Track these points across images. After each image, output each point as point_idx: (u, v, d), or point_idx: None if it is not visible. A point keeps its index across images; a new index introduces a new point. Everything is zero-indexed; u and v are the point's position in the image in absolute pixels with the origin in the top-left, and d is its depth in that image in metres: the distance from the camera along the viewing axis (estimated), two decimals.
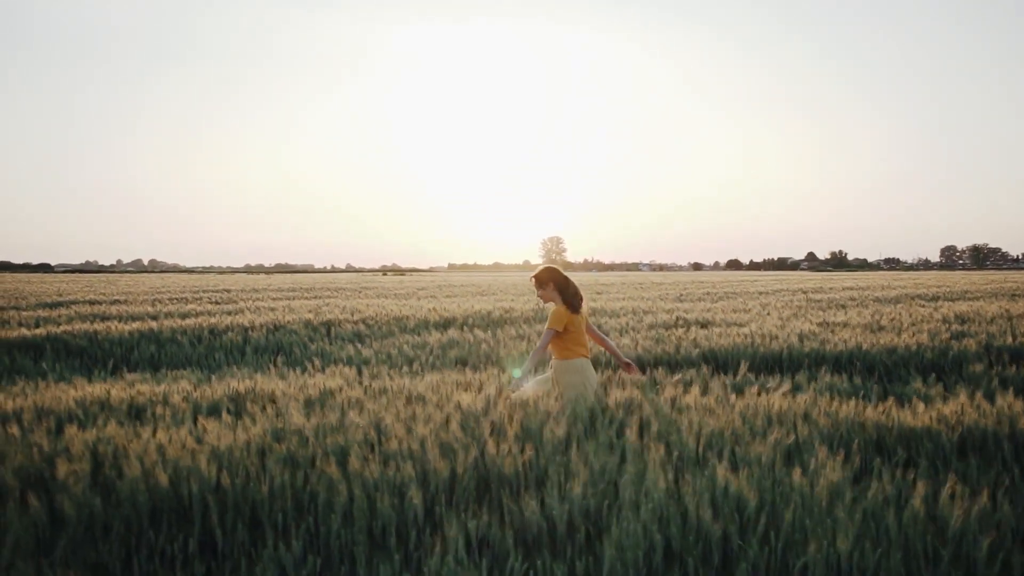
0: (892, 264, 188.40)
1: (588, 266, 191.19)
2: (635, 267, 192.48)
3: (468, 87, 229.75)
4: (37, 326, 13.17)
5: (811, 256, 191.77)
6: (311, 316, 12.96)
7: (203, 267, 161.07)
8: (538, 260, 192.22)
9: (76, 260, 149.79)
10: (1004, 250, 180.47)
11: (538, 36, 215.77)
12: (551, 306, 5.58)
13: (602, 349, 7.46)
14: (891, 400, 5.50)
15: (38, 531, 3.54)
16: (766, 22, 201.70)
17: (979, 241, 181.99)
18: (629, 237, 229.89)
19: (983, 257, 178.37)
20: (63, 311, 15.90)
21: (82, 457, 4.16)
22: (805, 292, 22.83)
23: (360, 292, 25.84)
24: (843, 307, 15.76)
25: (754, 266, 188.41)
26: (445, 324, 12.42)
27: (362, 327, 11.79)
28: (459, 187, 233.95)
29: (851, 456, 4.53)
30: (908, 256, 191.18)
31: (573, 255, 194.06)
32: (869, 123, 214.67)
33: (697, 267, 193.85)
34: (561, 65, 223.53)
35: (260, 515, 3.69)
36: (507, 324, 12.32)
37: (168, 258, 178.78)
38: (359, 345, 10.27)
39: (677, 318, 12.24)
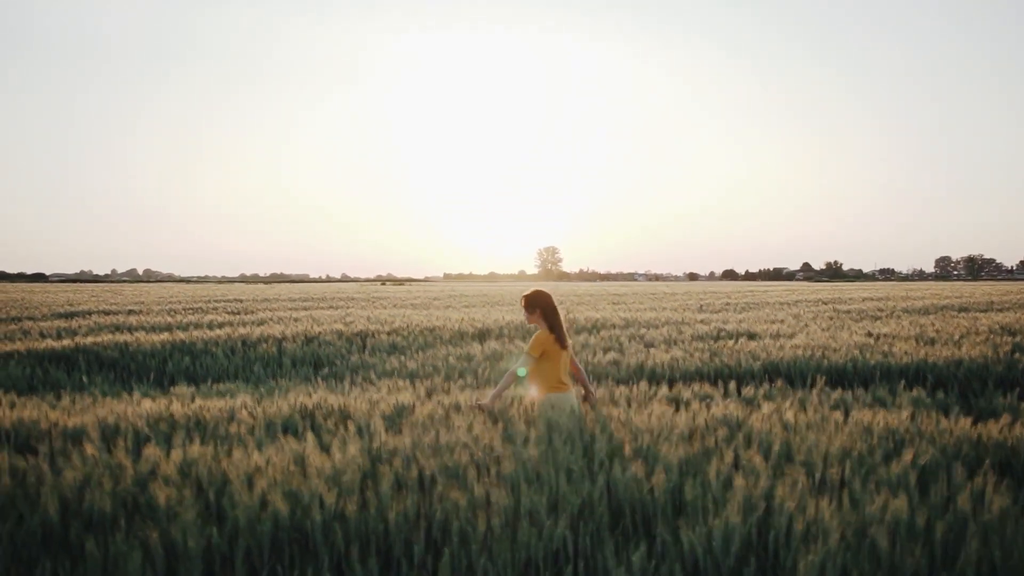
0: (887, 274, 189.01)
1: (584, 276, 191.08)
2: (631, 277, 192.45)
3: (463, 96, 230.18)
4: (60, 337, 12.83)
5: (806, 266, 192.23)
6: (342, 327, 12.64)
7: (198, 277, 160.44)
8: (534, 270, 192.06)
9: (70, 270, 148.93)
10: (998, 261, 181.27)
11: (535, 45, 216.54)
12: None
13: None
14: (1006, 417, 5.23)
15: (155, 565, 3.22)
16: (764, 32, 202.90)
17: (972, 252, 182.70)
18: (624, 247, 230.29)
19: (978, 268, 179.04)
20: (80, 321, 15.55)
21: (181, 482, 3.84)
22: (826, 303, 22.60)
23: (373, 302, 25.50)
24: (875, 318, 15.53)
25: (749, 276, 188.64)
26: (480, 335, 12.12)
27: (397, 338, 11.47)
28: (454, 198, 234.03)
29: (984, 475, 4.25)
30: (903, 267, 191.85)
31: (568, 265, 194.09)
32: (865, 134, 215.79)
33: (692, 277, 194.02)
34: (556, 75, 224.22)
35: (392, 547, 3.38)
36: None
37: (163, 268, 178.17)
38: (402, 357, 9.96)
39: (718, 329, 11.96)
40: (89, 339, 11.24)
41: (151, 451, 4.40)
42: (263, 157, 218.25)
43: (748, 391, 6.39)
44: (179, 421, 5.64)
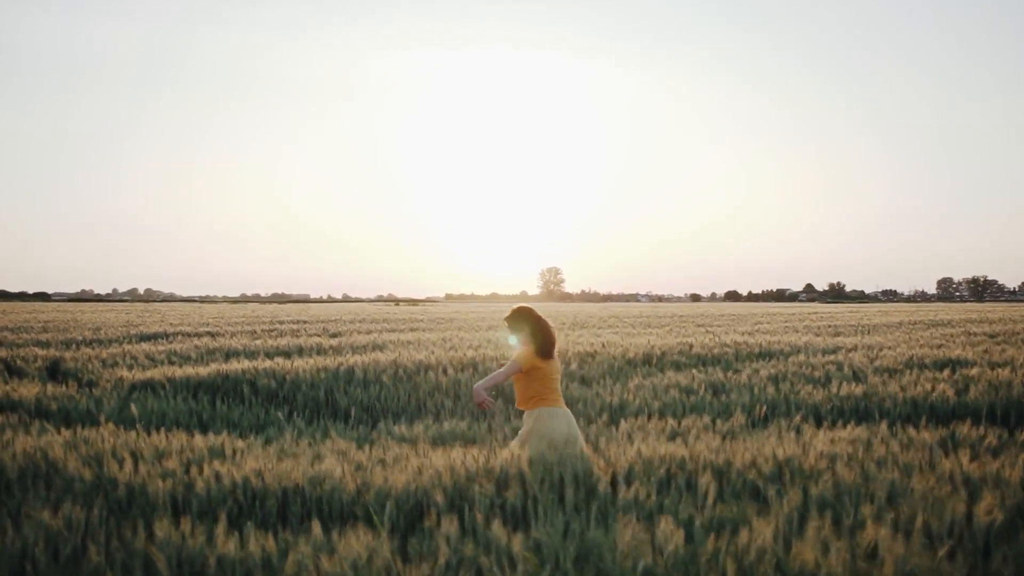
0: (890, 296, 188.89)
1: (586, 297, 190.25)
2: (633, 298, 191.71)
3: (463, 116, 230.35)
4: (172, 363, 11.75)
5: (809, 287, 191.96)
6: (487, 352, 11.60)
7: (200, 296, 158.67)
8: (536, 291, 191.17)
9: (71, 289, 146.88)
10: (1001, 282, 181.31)
11: (536, 65, 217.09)
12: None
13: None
14: None
15: None
16: (765, 53, 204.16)
17: (973, 273, 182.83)
18: (626, 268, 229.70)
19: (981, 289, 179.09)
20: (176, 344, 14.44)
21: None
22: (946, 325, 21.69)
23: (455, 323, 24.38)
24: (993, 341, 14.53)
25: (753, 297, 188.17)
26: (645, 360, 11.10)
27: (571, 365, 10.42)
28: (455, 217, 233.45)
29: None
30: (905, 288, 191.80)
31: (570, 286, 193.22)
32: (867, 154, 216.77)
33: (695, 298, 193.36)
34: (558, 94, 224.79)
35: None
36: (714, 363, 11.01)
37: (163, 287, 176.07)
38: (597, 387, 8.93)
39: (920, 357, 10.85)
40: (234, 365, 10.16)
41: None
42: (262, 177, 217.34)
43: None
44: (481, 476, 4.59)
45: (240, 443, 5.94)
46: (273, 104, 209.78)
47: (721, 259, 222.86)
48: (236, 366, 10.08)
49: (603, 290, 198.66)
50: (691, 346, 12.32)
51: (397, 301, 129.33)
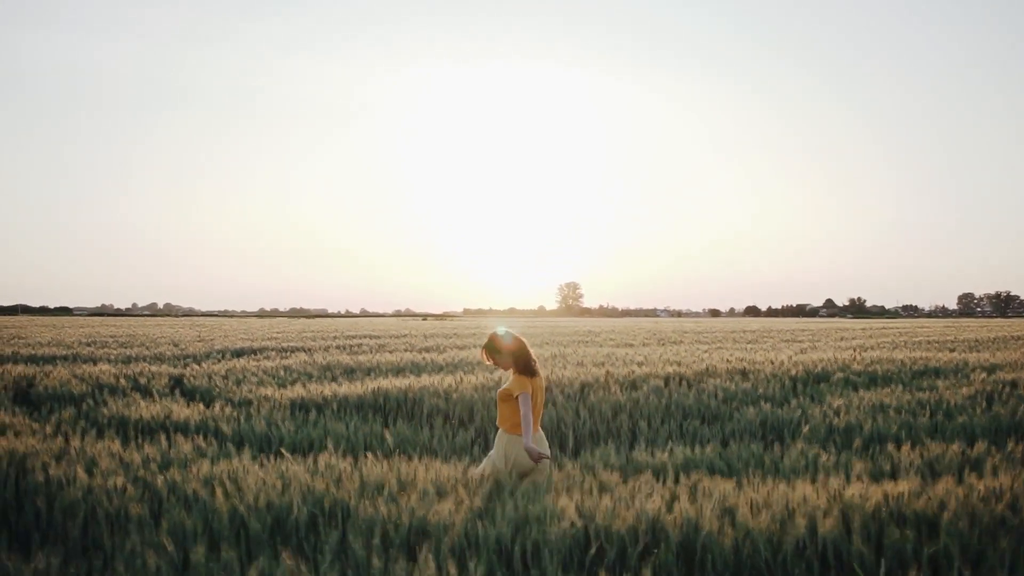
0: (911, 311, 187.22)
1: (604, 312, 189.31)
2: (652, 313, 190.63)
3: (480, 131, 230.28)
4: (295, 382, 11.06)
5: (829, 303, 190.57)
6: (673, 368, 10.83)
7: (219, 311, 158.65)
8: (554, 306, 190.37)
9: (92, 303, 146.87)
10: (1023, 297, 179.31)
11: (553, 80, 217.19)
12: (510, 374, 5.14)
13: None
14: None
15: None
16: (784, 68, 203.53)
17: (994, 289, 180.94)
18: (644, 283, 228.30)
19: (1004, 304, 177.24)
20: (270, 361, 13.77)
21: None
22: (1013, 339, 20.81)
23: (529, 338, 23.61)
24: None
25: (772, 313, 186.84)
26: (814, 378, 10.33)
27: (728, 383, 9.67)
28: (470, 232, 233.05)
29: None
30: (925, 303, 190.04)
31: (588, 301, 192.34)
32: (887, 168, 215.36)
33: (714, 314, 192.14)
34: (575, 110, 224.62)
35: None
36: (887, 381, 10.24)
37: (182, 302, 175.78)
38: (787, 408, 8.18)
39: None
40: (383, 383, 9.46)
41: None
42: (277, 193, 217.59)
43: None
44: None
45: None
46: (287, 120, 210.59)
47: (738, 274, 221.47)
48: (388, 384, 9.37)
49: (620, 305, 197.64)
50: (849, 362, 11.55)
51: (425, 316, 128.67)
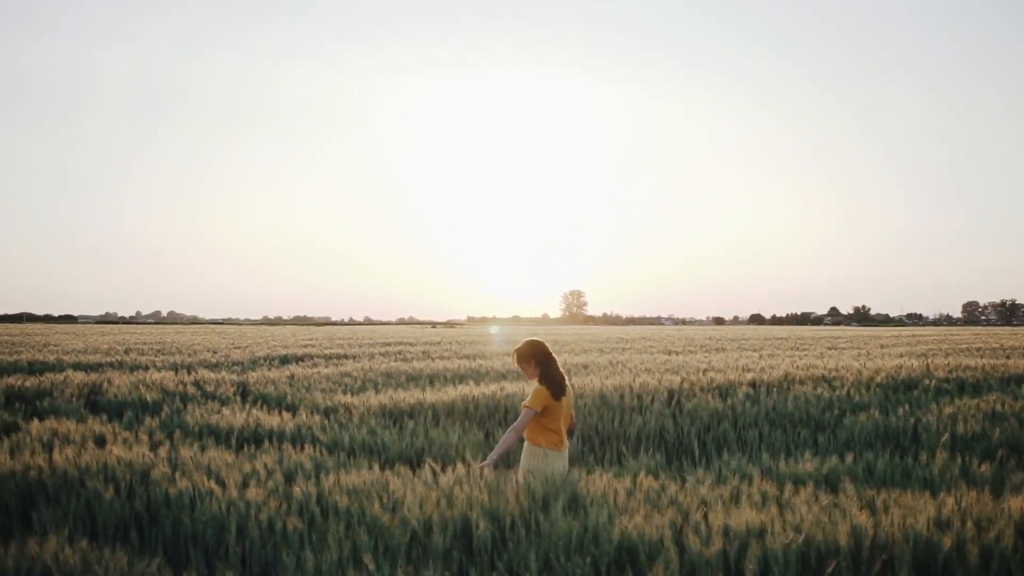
0: (915, 320, 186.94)
1: (608, 320, 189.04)
2: (656, 321, 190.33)
3: (483, 138, 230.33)
4: (364, 389, 10.80)
5: (834, 311, 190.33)
6: (756, 374, 10.57)
7: (222, 319, 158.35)
8: (558, 314, 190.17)
9: (95, 311, 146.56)
10: None
11: (556, 86, 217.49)
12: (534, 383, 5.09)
13: None
14: None
15: None
16: (786, 74, 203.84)
17: (999, 297, 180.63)
18: (647, 291, 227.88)
19: (1009, 313, 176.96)
20: (327, 368, 13.49)
21: None
22: None
23: (564, 345, 23.38)
24: None
25: (777, 321, 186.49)
26: (904, 385, 10.07)
27: (820, 388, 9.40)
28: (475, 240, 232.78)
29: None
30: (929, 311, 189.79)
31: (592, 309, 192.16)
32: (891, 176, 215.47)
33: (719, 322, 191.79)
34: (579, 117, 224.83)
35: None
36: (977, 389, 9.97)
37: (186, 310, 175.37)
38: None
39: None
40: (474, 390, 9.19)
41: None
42: (279, 201, 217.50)
43: None
44: None
45: (655, 482, 4.94)
46: (289, 128, 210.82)
47: (740, 283, 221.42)
48: (476, 391, 9.11)
49: (624, 313, 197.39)
50: (932, 369, 11.29)
51: (433, 324, 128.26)
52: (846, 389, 9.54)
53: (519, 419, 4.95)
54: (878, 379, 10.32)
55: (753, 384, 9.84)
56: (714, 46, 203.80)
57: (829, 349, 20.53)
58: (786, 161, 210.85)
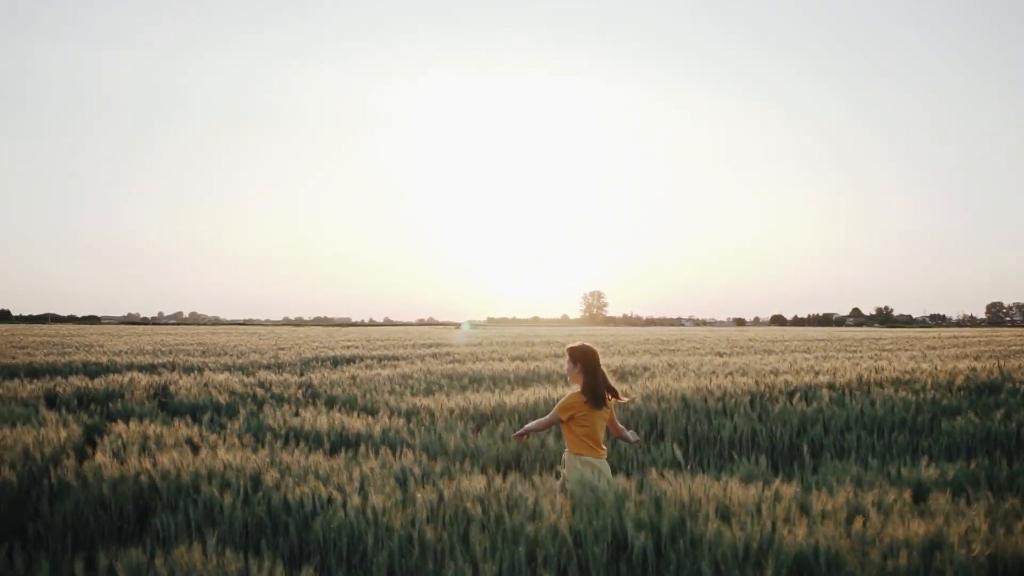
0: (938, 320, 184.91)
1: (628, 321, 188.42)
2: (677, 322, 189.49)
3: (499, 139, 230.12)
4: (431, 392, 10.69)
5: (856, 312, 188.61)
6: (833, 377, 10.36)
7: (243, 319, 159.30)
8: (578, 315, 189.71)
9: (117, 312, 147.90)
10: None
11: (575, 89, 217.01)
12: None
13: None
14: None
15: None
16: (808, 75, 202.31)
17: (1023, 298, 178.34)
18: (668, 292, 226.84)
19: None
20: (379, 370, 13.41)
21: None
22: None
23: (609, 347, 23.23)
24: None
25: (799, 322, 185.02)
26: (988, 388, 9.84)
27: (905, 393, 9.17)
28: (493, 240, 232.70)
29: None
30: (952, 312, 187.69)
31: (612, 310, 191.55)
32: (914, 176, 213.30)
33: (740, 323, 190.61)
34: (597, 119, 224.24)
35: None
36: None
37: (207, 311, 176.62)
38: None
39: None
40: (557, 392, 9.05)
41: None
42: (298, 203, 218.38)
43: None
44: None
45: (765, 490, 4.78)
46: (301, 130, 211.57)
47: (761, 283, 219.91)
48: (557, 394, 8.97)
49: (644, 314, 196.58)
50: (1011, 371, 11.03)
51: (457, 324, 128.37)
52: (929, 392, 9.32)
53: (549, 415, 4.96)
54: (958, 381, 10.08)
55: (831, 387, 9.64)
56: (731, 49, 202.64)
57: (880, 351, 20.21)
58: (804, 161, 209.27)
